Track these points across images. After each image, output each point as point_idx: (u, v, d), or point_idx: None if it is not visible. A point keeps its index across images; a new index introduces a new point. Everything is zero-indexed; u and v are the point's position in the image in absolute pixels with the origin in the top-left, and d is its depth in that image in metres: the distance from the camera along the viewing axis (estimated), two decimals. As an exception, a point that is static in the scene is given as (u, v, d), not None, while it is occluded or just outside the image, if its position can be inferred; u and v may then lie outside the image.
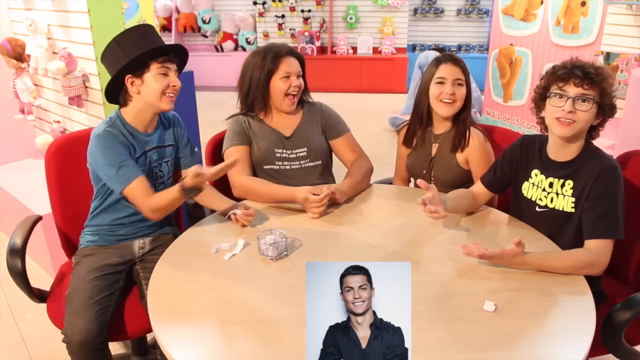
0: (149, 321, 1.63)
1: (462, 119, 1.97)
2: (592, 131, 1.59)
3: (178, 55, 1.77)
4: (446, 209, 1.60)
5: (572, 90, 1.50)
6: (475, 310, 1.28)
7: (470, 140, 1.95)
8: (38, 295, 1.80)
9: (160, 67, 1.69)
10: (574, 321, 1.26)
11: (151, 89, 1.70)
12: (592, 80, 1.48)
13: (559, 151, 1.61)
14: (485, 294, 1.34)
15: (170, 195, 1.65)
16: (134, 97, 1.73)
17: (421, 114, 2.02)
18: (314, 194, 1.77)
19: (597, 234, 1.48)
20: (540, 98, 1.61)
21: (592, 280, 1.42)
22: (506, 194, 1.88)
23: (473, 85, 2.17)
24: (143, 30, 1.72)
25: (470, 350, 1.16)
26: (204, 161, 2.16)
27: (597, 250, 1.47)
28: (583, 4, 3.69)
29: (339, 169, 2.14)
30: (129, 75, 1.69)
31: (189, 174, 1.57)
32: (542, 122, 1.64)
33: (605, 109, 1.53)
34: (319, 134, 2.09)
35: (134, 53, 1.66)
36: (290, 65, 1.96)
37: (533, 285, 1.39)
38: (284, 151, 2.03)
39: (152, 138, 1.82)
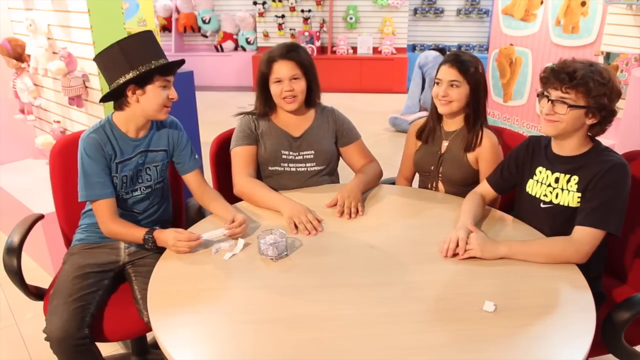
0: (142, 322, 1.64)
1: (472, 119, 1.97)
2: (593, 129, 1.58)
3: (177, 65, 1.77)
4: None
5: (553, 92, 1.55)
6: (475, 310, 1.28)
7: (482, 141, 1.95)
8: (35, 293, 1.80)
9: (163, 81, 1.71)
10: (574, 321, 1.26)
11: (152, 101, 1.71)
12: (571, 84, 1.50)
13: (559, 145, 1.64)
14: (485, 294, 1.34)
15: (131, 234, 1.71)
16: (132, 105, 1.72)
17: (435, 109, 2.03)
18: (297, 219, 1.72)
19: (587, 222, 1.49)
20: (537, 95, 1.64)
21: (592, 282, 1.42)
22: (507, 194, 1.89)
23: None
24: (147, 39, 1.70)
25: (470, 350, 1.16)
26: (207, 162, 2.16)
27: (580, 237, 1.47)
28: (583, 4, 3.69)
29: (344, 180, 2.11)
30: (131, 85, 1.68)
31: (171, 236, 1.58)
32: None
33: (594, 110, 1.52)
34: (329, 138, 2.08)
35: (138, 63, 1.65)
36: (280, 70, 1.93)
37: (533, 285, 1.39)
38: (290, 153, 2.02)
39: (141, 142, 1.81)
